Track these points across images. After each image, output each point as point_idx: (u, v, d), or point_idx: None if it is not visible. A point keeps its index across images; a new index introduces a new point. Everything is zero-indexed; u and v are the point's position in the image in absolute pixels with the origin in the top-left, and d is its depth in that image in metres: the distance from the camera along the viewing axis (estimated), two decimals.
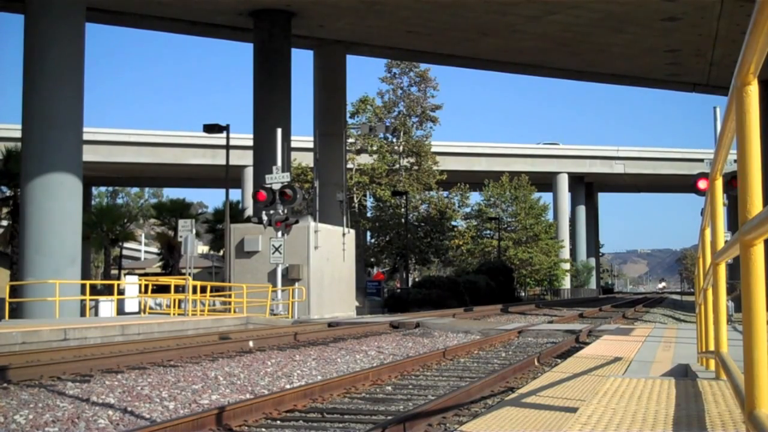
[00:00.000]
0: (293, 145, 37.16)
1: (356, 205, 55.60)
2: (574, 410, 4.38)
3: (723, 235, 4.54)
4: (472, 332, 17.38)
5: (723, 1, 31.38)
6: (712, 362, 5.93)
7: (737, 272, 2.91)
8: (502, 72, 48.44)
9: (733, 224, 10.98)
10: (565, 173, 77.32)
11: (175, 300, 23.77)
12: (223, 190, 29.88)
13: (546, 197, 71.57)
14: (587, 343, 12.60)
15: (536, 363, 10.66)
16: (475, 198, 65.71)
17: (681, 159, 74.34)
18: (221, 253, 36.80)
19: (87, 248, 43.86)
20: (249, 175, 53.16)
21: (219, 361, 11.23)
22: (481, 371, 10.24)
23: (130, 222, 46.28)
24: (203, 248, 56.24)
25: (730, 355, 4.19)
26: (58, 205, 24.57)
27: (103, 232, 39.61)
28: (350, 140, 50.76)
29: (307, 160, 49.33)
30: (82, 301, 25.10)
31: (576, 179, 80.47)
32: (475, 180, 66.52)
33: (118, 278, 39.73)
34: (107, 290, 30.48)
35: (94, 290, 31.36)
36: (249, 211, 40.24)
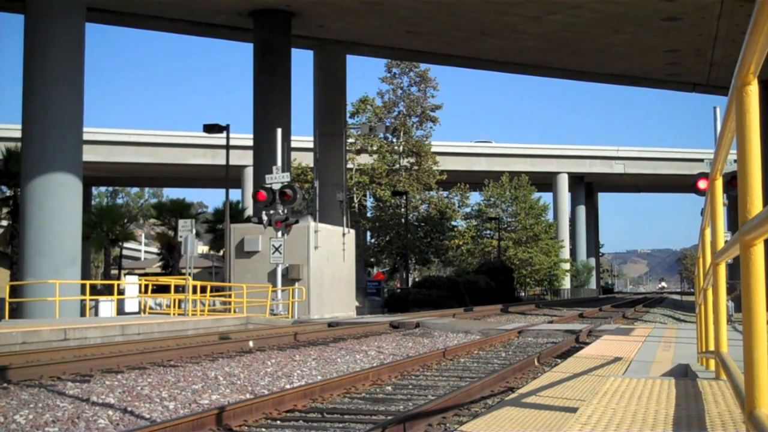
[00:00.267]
0: (293, 145, 37.16)
1: (356, 205, 55.61)
2: (574, 410, 4.38)
3: (723, 235, 4.54)
4: (472, 332, 17.38)
5: (723, 1, 31.38)
6: (712, 362, 5.93)
7: (737, 272, 2.91)
8: (502, 72, 48.47)
9: (733, 224, 10.97)
10: (565, 173, 77.31)
11: (175, 300, 23.77)
12: (223, 190, 29.89)
13: (546, 197, 71.65)
14: (587, 343, 12.59)
15: (536, 363, 10.66)
16: (475, 198, 65.80)
17: (681, 159, 74.35)
18: (221, 253, 36.80)
19: (87, 248, 43.80)
20: (249, 175, 53.16)
21: (219, 361, 11.23)
22: (481, 371, 10.24)
23: (130, 222, 46.29)
24: (203, 248, 56.22)
25: (730, 355, 4.19)
26: (58, 205, 24.56)
27: (103, 232, 39.60)
28: (350, 140, 50.75)
29: (307, 160, 49.32)
30: (82, 301, 25.11)
31: (576, 179, 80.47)
32: (475, 180, 66.52)
33: (118, 278, 39.73)
34: (107, 290, 30.48)
35: (94, 290, 31.37)
36: (249, 211, 40.24)
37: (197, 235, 30.54)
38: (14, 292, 24.23)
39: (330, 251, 28.28)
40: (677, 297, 69.14)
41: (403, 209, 52.92)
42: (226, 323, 19.89)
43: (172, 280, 24.80)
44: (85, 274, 45.49)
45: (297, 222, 26.15)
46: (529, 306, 36.72)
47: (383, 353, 12.78)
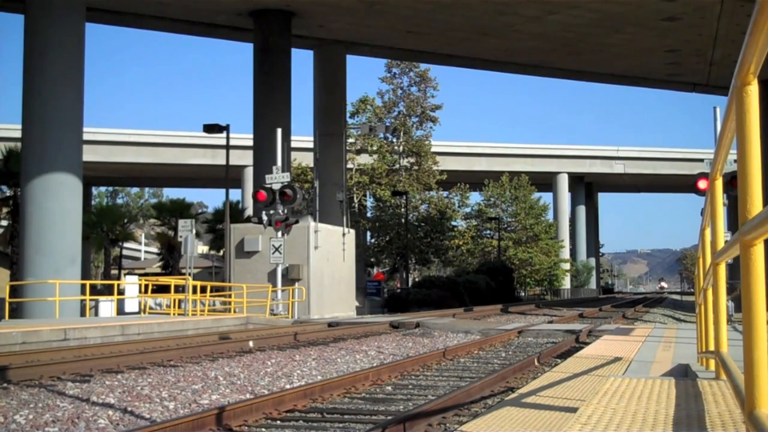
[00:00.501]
0: (293, 145, 37.16)
1: (356, 205, 55.60)
2: (574, 410, 4.38)
3: (723, 235, 4.54)
4: (472, 332, 17.38)
5: (723, 1, 31.38)
6: (712, 362, 5.93)
7: (737, 272, 2.91)
8: (502, 72, 48.45)
9: (733, 224, 10.99)
10: (565, 173, 77.32)
11: (175, 300, 23.77)
12: (223, 190, 29.89)
13: (546, 197, 71.64)
14: (587, 343, 12.60)
15: (536, 363, 10.65)
16: (475, 198, 65.79)
17: (681, 159, 74.36)
18: (221, 253, 36.79)
19: (87, 248, 43.88)
20: (249, 175, 53.17)
21: (219, 361, 11.24)
22: (481, 371, 10.24)
23: (130, 222, 46.29)
24: (203, 248, 56.22)
25: (730, 355, 4.19)
26: (58, 205, 24.56)
27: (103, 232, 39.60)
28: (350, 140, 50.74)
29: (307, 160, 49.32)
30: (82, 301, 25.11)
31: (576, 179, 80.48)
32: (475, 180, 66.51)
33: (118, 278, 39.73)
34: (107, 290, 30.48)
35: (94, 290, 31.37)
36: (249, 211, 40.24)
37: (197, 235, 30.55)
38: (14, 292, 24.23)
39: (330, 251, 28.28)
40: (677, 297, 69.15)
41: (403, 209, 52.91)
42: (226, 323, 19.89)
43: (172, 280, 24.80)
44: (85, 274, 45.49)
45: (297, 222, 26.15)
46: (529, 306, 36.72)
47: (383, 353, 12.78)
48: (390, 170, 55.93)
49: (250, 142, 35.45)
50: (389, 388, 8.69)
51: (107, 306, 25.05)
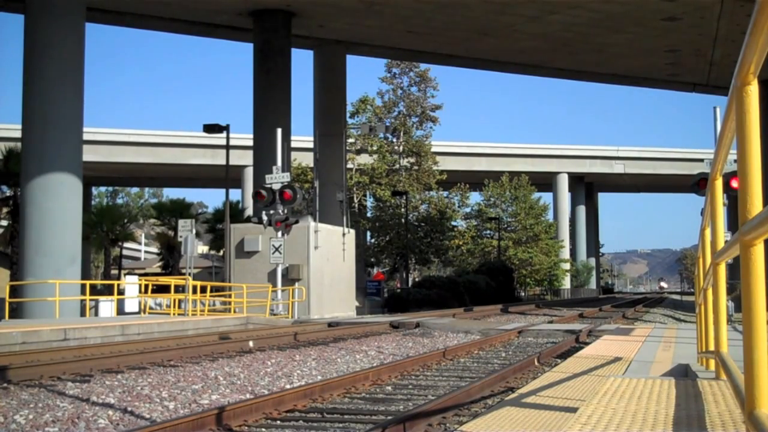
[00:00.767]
0: (293, 145, 37.15)
1: (356, 205, 55.60)
2: (574, 410, 4.38)
3: (723, 235, 4.54)
4: (472, 332, 17.38)
5: (723, 1, 31.39)
6: (712, 362, 5.93)
7: (737, 272, 2.91)
8: (502, 72, 48.48)
9: (733, 224, 10.98)
10: (565, 173, 77.34)
11: (175, 300, 23.77)
12: (223, 190, 29.89)
13: (546, 197, 71.68)
14: (587, 343, 12.60)
15: (536, 363, 10.65)
16: (475, 198, 65.80)
17: (681, 159, 74.37)
18: (221, 253, 36.80)
19: (87, 248, 43.81)
20: (249, 175, 53.17)
21: (219, 361, 11.23)
22: (481, 371, 10.24)
23: (130, 222, 46.22)
24: (203, 248, 56.22)
25: (730, 355, 4.19)
26: (58, 205, 24.56)
27: (103, 232, 39.59)
28: (350, 140, 50.74)
29: (307, 160, 49.32)
30: (82, 301, 25.11)
31: (576, 179, 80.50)
32: (475, 180, 66.52)
33: (118, 278, 39.73)
34: (107, 290, 30.48)
35: (94, 290, 31.37)
36: (249, 211, 40.24)
37: (197, 235, 30.55)
38: (14, 292, 24.24)
39: (330, 251, 28.28)
40: (677, 297, 69.16)
41: (403, 209, 52.92)
42: (226, 323, 19.89)
43: (172, 280, 24.80)
44: (85, 274, 45.50)
45: (297, 222, 26.15)
46: (529, 306, 36.72)
47: (383, 353, 12.78)
48: (390, 170, 55.93)
49: (250, 142, 35.45)
50: (389, 388, 8.69)
51: (107, 306, 25.05)
